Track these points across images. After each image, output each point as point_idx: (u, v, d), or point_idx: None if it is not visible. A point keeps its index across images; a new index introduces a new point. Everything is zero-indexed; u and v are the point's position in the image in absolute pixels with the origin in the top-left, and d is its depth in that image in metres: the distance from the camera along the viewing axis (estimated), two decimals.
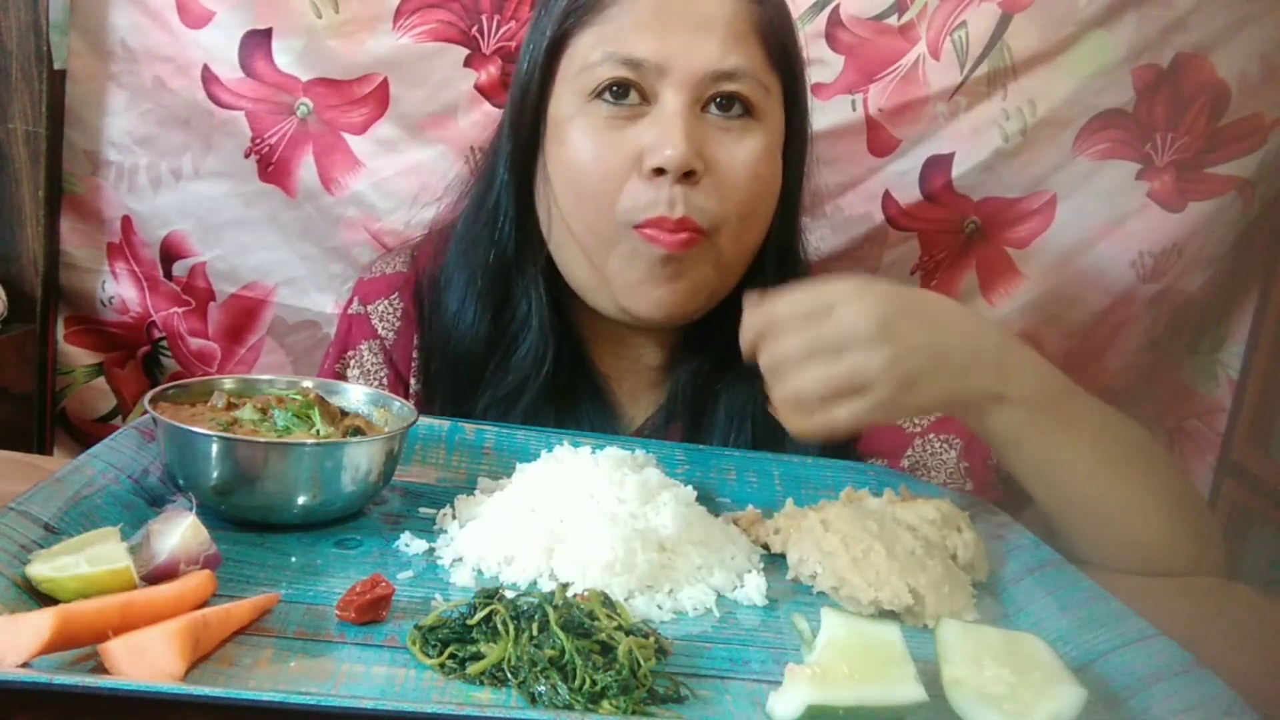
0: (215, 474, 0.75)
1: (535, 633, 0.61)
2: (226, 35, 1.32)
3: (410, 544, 0.77)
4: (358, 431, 0.82)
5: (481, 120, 1.35)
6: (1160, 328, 1.43)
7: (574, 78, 0.99)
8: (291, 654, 0.60)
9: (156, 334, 1.44)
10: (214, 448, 0.75)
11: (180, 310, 1.42)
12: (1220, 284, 1.43)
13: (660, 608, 0.71)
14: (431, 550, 0.77)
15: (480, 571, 0.74)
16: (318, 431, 0.80)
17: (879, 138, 1.36)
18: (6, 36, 1.30)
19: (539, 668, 0.59)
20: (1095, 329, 1.42)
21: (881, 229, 1.39)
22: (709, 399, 1.08)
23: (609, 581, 0.71)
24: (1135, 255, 1.38)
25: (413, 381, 1.12)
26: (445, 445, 0.96)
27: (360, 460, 0.78)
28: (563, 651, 0.59)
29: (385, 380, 1.13)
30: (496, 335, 1.07)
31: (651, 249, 0.95)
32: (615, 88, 0.96)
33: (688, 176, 0.94)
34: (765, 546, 0.84)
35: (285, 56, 1.32)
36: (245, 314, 1.42)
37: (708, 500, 0.88)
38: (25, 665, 0.53)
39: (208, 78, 1.33)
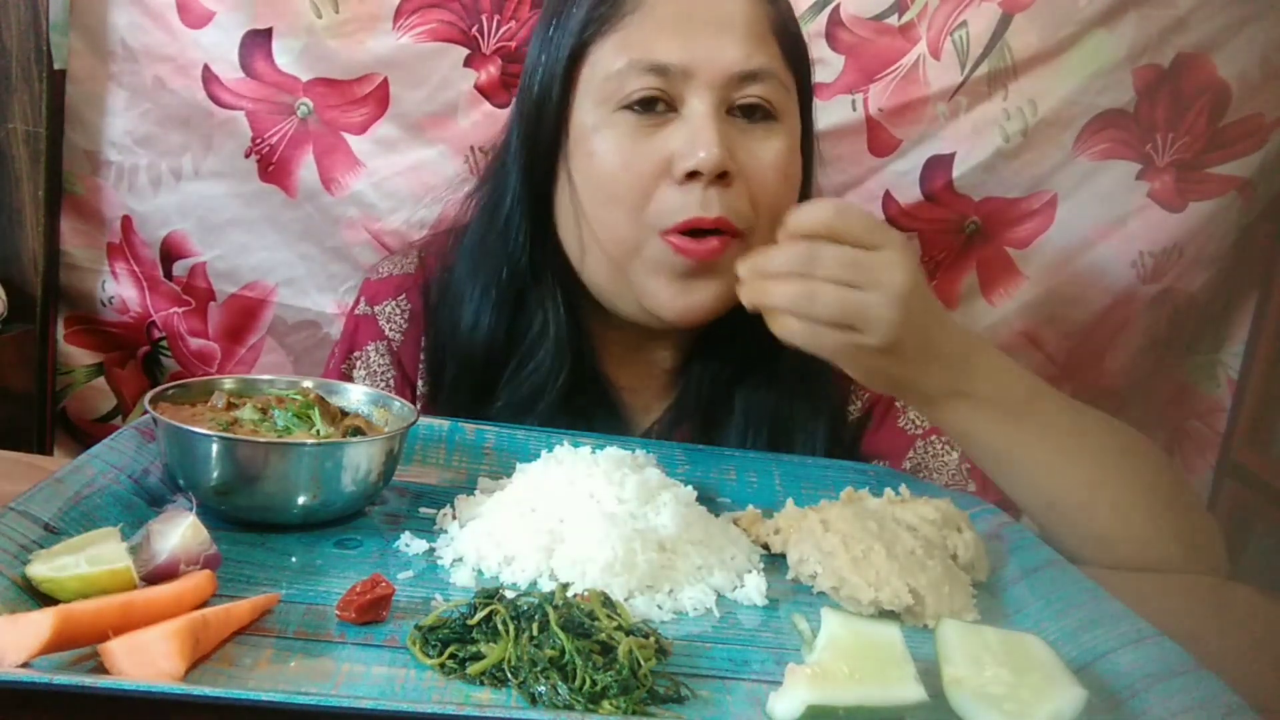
0: (215, 474, 0.75)
1: (535, 633, 0.61)
2: (226, 35, 1.32)
3: (410, 544, 0.77)
4: (358, 431, 0.82)
5: (481, 120, 1.35)
6: (1160, 328, 1.43)
7: (597, 87, 0.97)
8: (291, 654, 0.60)
9: (156, 334, 1.44)
10: (214, 448, 0.75)
11: (180, 310, 1.42)
12: (1220, 284, 1.43)
13: (660, 608, 0.71)
14: (431, 550, 0.76)
15: (480, 571, 0.74)
16: (318, 431, 0.80)
17: (879, 138, 1.36)
18: (6, 36, 1.30)
19: (539, 668, 0.59)
20: (1095, 329, 1.42)
21: None
22: (722, 402, 1.08)
23: (609, 581, 0.70)
24: (1135, 255, 1.38)
25: (420, 383, 1.12)
26: (445, 445, 0.95)
27: (360, 460, 0.78)
28: (563, 652, 0.59)
29: (392, 381, 1.12)
30: (511, 347, 1.06)
31: (678, 258, 0.95)
32: (643, 99, 0.95)
33: (721, 178, 0.94)
34: (765, 546, 0.84)
35: (285, 56, 1.32)
36: (245, 314, 1.42)
37: (708, 500, 0.88)
38: (25, 665, 0.53)
39: (208, 77, 1.33)
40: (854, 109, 1.34)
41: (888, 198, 1.38)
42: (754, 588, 0.76)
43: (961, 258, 1.41)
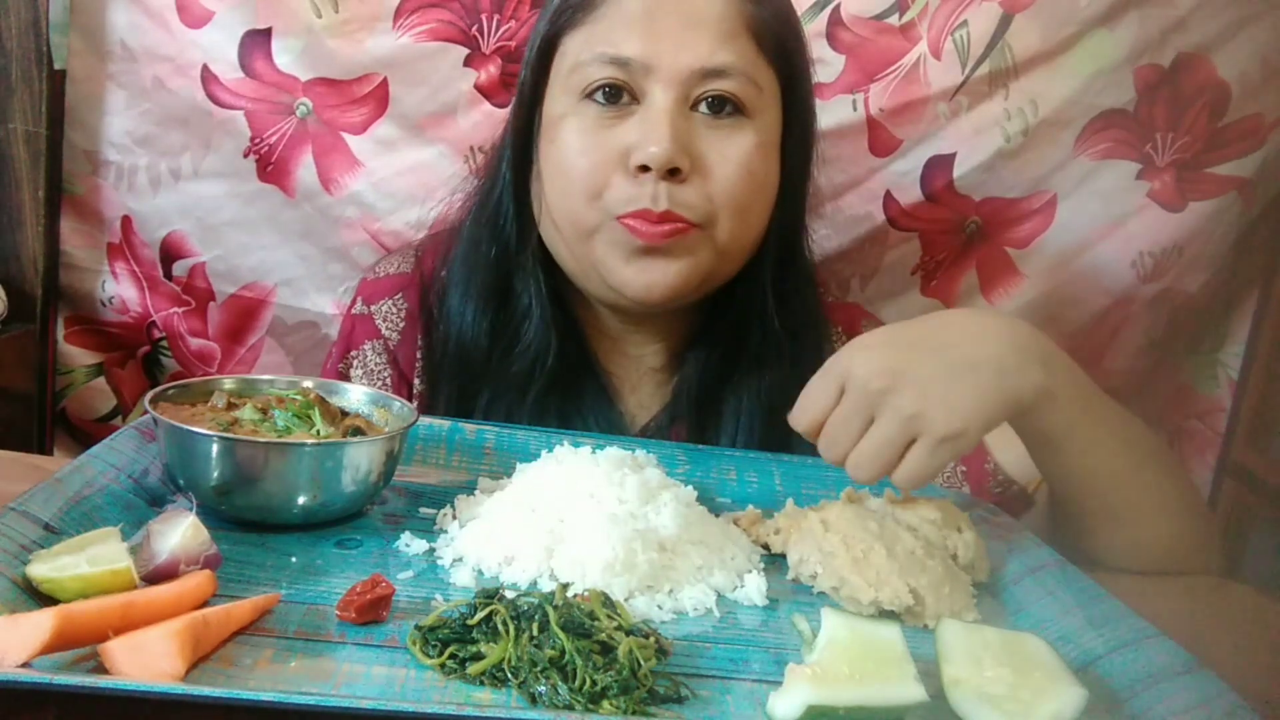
0: (215, 474, 0.75)
1: (535, 633, 0.61)
2: (226, 35, 1.32)
3: (410, 544, 0.77)
4: (358, 431, 0.82)
5: (481, 120, 1.35)
6: (1160, 328, 1.43)
7: (566, 77, 1.00)
8: (291, 654, 0.60)
9: (156, 334, 1.43)
10: (214, 448, 0.75)
11: (180, 310, 1.42)
12: (1220, 284, 1.43)
13: (660, 608, 0.71)
14: (431, 550, 0.77)
15: (480, 571, 0.74)
16: (318, 431, 0.80)
17: (880, 138, 1.36)
18: (6, 36, 1.30)
19: (539, 668, 0.59)
20: (1095, 329, 1.42)
21: (882, 229, 1.39)
22: (714, 400, 1.08)
23: (609, 581, 0.70)
24: (1135, 255, 1.38)
25: (416, 382, 1.13)
26: (445, 445, 0.96)
27: (360, 460, 0.78)
28: (563, 652, 0.59)
29: (389, 380, 1.13)
30: (499, 328, 1.08)
31: (632, 238, 0.96)
32: (606, 89, 0.97)
33: (673, 174, 0.95)
34: (765, 546, 0.84)
35: (285, 56, 1.32)
36: (245, 314, 1.42)
37: (708, 500, 0.88)
38: (25, 665, 0.53)
39: (207, 77, 1.33)
40: (854, 109, 1.34)
41: (888, 198, 1.38)
42: (754, 588, 0.76)
43: (962, 258, 1.41)
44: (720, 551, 0.79)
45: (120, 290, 1.41)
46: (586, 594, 0.66)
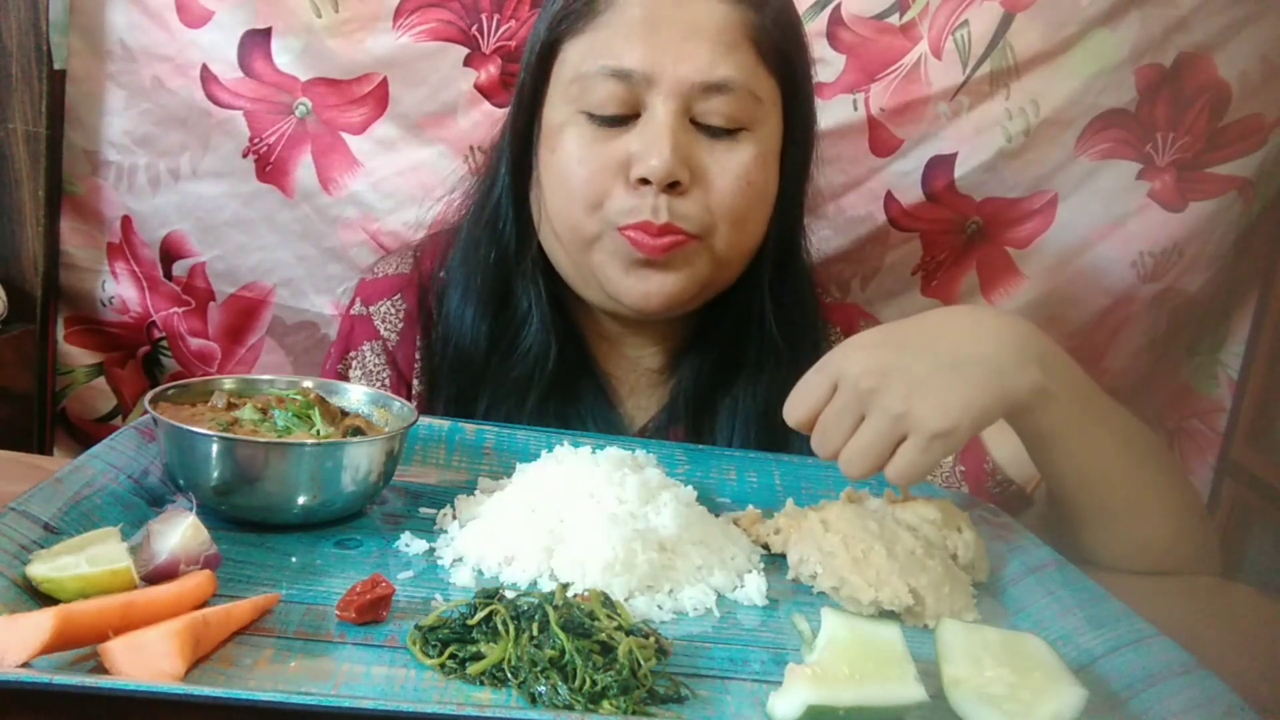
0: (215, 474, 0.75)
1: (535, 633, 0.61)
2: (225, 35, 1.31)
3: (410, 544, 0.77)
4: (358, 432, 0.82)
5: (481, 120, 1.35)
6: (1160, 328, 1.43)
7: (566, 85, 0.99)
8: (291, 654, 0.60)
9: (156, 334, 1.43)
10: (214, 448, 0.75)
11: (180, 310, 1.42)
12: (1220, 284, 1.43)
13: (660, 608, 0.71)
14: (431, 550, 0.76)
15: (480, 571, 0.74)
16: (318, 431, 0.80)
17: (881, 137, 1.36)
18: (6, 36, 1.30)
19: (539, 668, 0.59)
20: (1095, 329, 1.42)
21: (883, 229, 1.39)
22: (711, 402, 1.08)
23: (609, 581, 0.70)
24: (1136, 255, 1.38)
25: (415, 382, 1.13)
26: (445, 445, 0.96)
27: (360, 460, 0.78)
28: (563, 652, 0.59)
29: (387, 381, 1.13)
30: (499, 332, 1.08)
31: (632, 249, 0.97)
32: (604, 113, 0.96)
33: (673, 187, 0.95)
34: (765, 546, 0.84)
35: (284, 56, 1.32)
36: (245, 314, 1.42)
37: (708, 500, 0.88)
38: (25, 665, 0.53)
39: (206, 77, 1.33)
40: (855, 109, 1.34)
41: (889, 198, 1.38)
42: (754, 588, 0.76)
43: (962, 258, 1.41)
44: (720, 551, 0.79)
45: (120, 290, 1.41)
46: (586, 594, 0.66)
